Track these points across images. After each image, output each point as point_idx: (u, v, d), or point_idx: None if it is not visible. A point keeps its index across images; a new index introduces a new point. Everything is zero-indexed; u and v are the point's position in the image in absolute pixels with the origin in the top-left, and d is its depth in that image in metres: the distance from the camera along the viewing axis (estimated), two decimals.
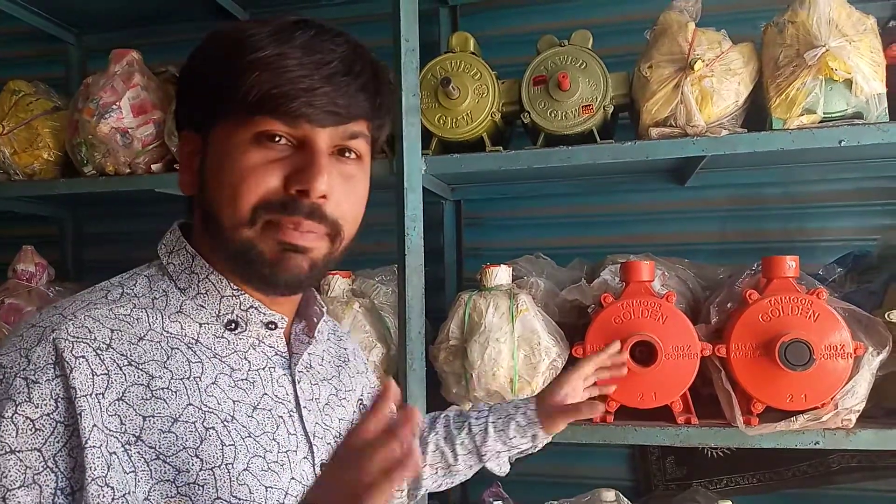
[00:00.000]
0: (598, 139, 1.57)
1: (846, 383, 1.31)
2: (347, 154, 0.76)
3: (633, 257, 1.62)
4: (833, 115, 1.44)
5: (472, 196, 2.15)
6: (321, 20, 0.76)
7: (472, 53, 1.66)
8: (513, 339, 1.45)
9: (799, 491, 1.89)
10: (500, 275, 1.54)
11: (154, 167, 1.81)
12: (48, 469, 0.62)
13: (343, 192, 0.75)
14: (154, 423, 0.67)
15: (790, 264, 1.37)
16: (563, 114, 1.57)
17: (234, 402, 0.74)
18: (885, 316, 1.35)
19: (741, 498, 1.80)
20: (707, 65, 1.47)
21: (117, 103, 1.77)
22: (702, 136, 1.47)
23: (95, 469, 0.63)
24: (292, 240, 0.72)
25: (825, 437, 1.35)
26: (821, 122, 1.44)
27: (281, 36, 0.72)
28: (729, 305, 1.48)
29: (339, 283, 1.69)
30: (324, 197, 0.72)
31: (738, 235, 2.00)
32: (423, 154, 1.60)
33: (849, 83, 1.40)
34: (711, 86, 1.47)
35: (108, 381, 0.66)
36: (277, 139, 0.72)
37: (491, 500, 1.71)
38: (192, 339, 0.74)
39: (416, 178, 1.57)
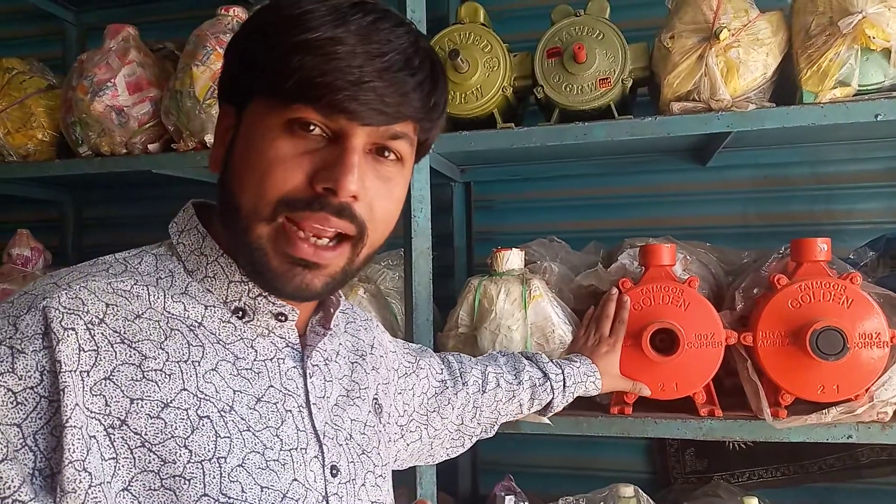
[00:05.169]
0: (616, 115, 1.48)
1: (882, 374, 1.23)
2: (387, 154, 0.70)
3: (653, 240, 1.55)
4: (869, 88, 1.35)
5: (483, 178, 2.07)
6: (384, 4, 0.69)
7: (483, 25, 1.58)
8: (525, 327, 1.38)
9: (825, 485, 1.82)
10: (512, 259, 1.46)
11: (151, 147, 1.73)
12: (27, 447, 0.57)
13: (377, 194, 0.69)
14: (142, 406, 0.62)
15: (821, 247, 1.29)
16: (579, 88, 1.49)
17: (234, 391, 0.68)
18: None
19: (764, 492, 1.73)
20: (733, 34, 1.38)
21: (112, 80, 1.70)
22: (727, 110, 1.38)
23: (74, 451, 0.57)
24: (304, 255, 0.67)
25: (859, 431, 1.27)
26: (855, 95, 1.35)
27: (336, 17, 0.66)
28: (755, 291, 1.40)
29: None
30: (354, 197, 0.67)
31: (761, 218, 1.92)
32: None
33: (887, 53, 1.31)
34: (738, 57, 1.38)
35: (95, 357, 0.61)
36: (311, 129, 0.67)
37: (503, 493, 1.65)
38: (196, 321, 0.69)
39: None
